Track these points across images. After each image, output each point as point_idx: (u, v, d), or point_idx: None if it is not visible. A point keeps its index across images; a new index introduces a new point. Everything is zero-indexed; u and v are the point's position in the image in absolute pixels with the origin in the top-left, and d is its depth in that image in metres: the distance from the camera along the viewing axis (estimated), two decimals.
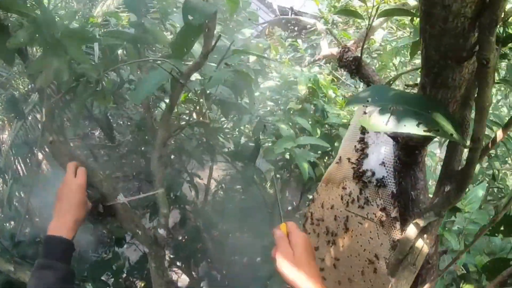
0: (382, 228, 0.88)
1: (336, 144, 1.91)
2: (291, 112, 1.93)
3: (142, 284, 1.83)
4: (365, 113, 1.02)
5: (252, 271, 2.01)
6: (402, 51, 2.40)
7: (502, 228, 0.75)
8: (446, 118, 0.44)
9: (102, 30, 1.08)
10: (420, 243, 0.69)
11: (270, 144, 2.06)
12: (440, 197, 0.61)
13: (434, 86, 0.50)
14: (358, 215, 0.96)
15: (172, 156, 1.89)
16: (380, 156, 0.86)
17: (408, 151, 0.76)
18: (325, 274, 1.08)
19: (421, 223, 0.66)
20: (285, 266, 0.72)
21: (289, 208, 2.31)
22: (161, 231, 1.00)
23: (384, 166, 0.84)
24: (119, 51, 1.15)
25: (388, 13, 1.04)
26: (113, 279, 1.41)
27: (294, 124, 1.93)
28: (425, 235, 0.68)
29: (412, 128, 0.39)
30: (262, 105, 2.15)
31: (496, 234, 0.74)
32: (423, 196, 0.79)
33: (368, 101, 0.43)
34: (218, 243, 1.96)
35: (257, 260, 1.93)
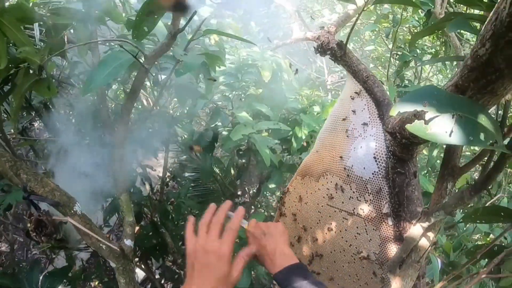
0: (370, 224, 0.86)
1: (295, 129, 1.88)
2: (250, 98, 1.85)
3: (97, 283, 1.68)
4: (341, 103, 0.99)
5: None
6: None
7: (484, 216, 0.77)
8: (495, 126, 0.41)
9: (45, 10, 0.89)
10: (424, 241, 0.68)
11: (226, 133, 1.97)
12: (452, 197, 0.60)
13: (480, 91, 0.47)
14: (342, 210, 0.94)
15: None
16: (370, 150, 0.83)
17: (405, 147, 0.74)
18: None
19: (429, 221, 0.65)
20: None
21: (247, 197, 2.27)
22: (128, 242, 0.88)
23: (376, 161, 0.82)
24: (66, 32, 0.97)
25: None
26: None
27: (253, 110, 1.86)
28: (429, 233, 0.68)
29: (478, 141, 0.36)
30: (215, 90, 2.02)
31: (478, 221, 0.76)
32: (417, 192, 0.78)
33: (424, 105, 0.38)
34: (177, 236, 1.85)
35: None
